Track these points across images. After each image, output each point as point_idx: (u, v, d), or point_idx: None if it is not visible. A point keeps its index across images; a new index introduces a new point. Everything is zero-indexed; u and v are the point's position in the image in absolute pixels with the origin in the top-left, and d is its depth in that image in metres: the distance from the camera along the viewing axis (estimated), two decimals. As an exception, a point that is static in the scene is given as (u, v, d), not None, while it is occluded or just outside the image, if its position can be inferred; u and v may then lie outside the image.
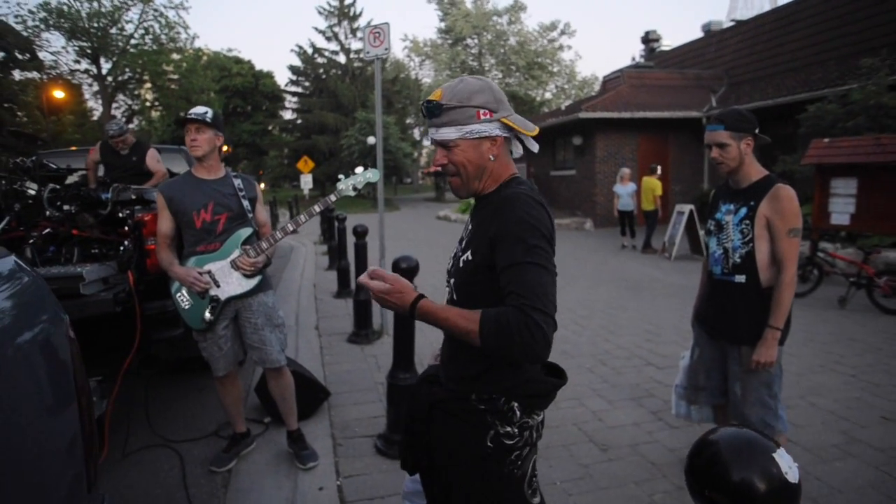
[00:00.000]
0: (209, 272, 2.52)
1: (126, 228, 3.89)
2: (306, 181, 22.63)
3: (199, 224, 2.53)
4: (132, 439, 2.95)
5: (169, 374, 4.01)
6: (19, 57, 26.94)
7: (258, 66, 41.32)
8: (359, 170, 2.77)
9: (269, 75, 41.59)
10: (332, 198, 2.71)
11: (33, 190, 3.94)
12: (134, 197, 3.31)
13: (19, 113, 28.23)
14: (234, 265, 2.55)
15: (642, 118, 14.36)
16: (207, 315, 2.53)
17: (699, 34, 19.39)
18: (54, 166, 3.96)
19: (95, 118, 31.92)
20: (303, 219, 2.66)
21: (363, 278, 1.25)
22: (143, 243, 3.05)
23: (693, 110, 14.45)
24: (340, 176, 2.79)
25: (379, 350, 4.54)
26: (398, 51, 43.01)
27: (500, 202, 1.21)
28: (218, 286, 2.54)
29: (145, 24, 27.49)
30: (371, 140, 27.28)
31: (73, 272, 2.70)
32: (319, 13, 36.52)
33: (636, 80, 16.65)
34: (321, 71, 37.65)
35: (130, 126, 25.34)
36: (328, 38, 36.88)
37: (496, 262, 1.17)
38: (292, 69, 38.02)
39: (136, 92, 32.26)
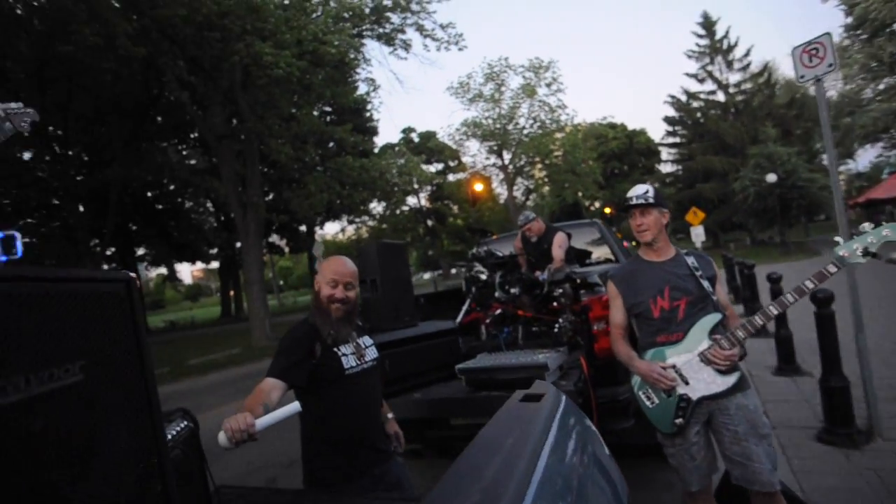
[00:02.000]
0: (673, 366, 2.20)
1: (555, 305, 4.04)
2: (697, 233, 21.04)
3: (658, 313, 2.25)
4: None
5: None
6: (451, 164, 36.20)
7: (630, 126, 42.34)
8: (865, 226, 2.04)
9: (643, 132, 42.00)
10: (832, 269, 2.03)
11: (483, 275, 4.53)
12: (579, 281, 3.32)
13: (453, 206, 37.37)
14: (705, 359, 2.15)
15: None
16: (678, 419, 2.18)
17: None
18: (500, 254, 4.48)
19: (502, 201, 38.51)
20: (790, 299, 2.08)
21: None
22: (590, 328, 2.97)
23: None
24: (838, 239, 2.09)
25: (875, 461, 3.28)
26: (787, 68, 37.31)
27: None
28: (686, 383, 2.17)
29: (533, 115, 32.14)
30: (771, 177, 23.68)
31: (539, 361, 2.76)
32: (689, 57, 35.47)
33: None
34: (698, 115, 35.89)
35: (529, 204, 29.43)
36: (700, 80, 35.33)
37: None
38: (667, 120, 37.59)
39: (530, 173, 37.64)
